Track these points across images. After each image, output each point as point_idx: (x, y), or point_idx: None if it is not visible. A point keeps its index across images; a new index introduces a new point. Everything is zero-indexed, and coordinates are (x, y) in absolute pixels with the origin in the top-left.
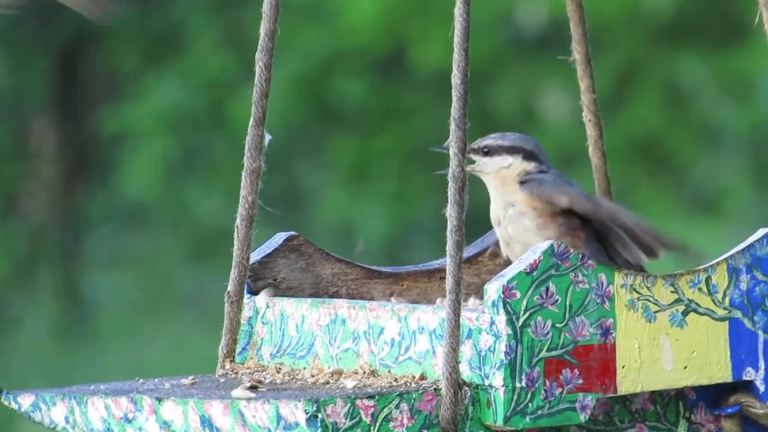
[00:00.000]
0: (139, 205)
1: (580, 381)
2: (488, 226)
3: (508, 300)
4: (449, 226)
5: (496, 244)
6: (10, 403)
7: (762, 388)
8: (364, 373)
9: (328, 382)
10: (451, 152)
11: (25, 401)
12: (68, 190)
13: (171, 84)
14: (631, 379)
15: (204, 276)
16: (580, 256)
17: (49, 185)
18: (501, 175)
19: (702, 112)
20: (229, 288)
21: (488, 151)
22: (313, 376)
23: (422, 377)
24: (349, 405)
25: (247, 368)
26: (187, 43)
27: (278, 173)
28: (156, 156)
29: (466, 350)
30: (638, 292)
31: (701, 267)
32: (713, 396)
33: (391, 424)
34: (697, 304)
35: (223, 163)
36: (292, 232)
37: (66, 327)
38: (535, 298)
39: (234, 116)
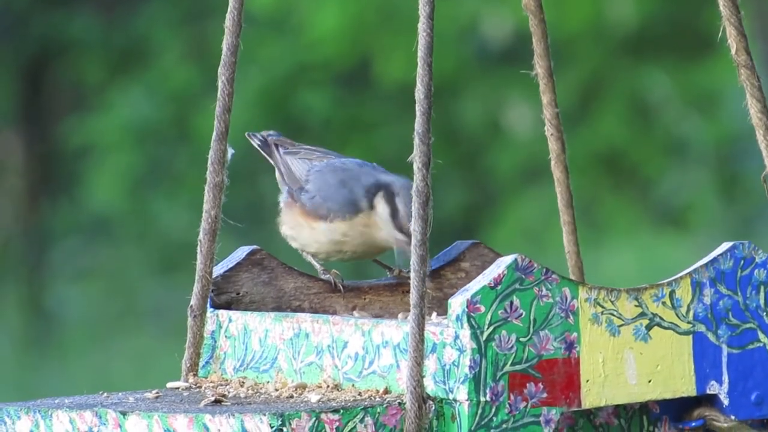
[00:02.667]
0: (105, 218)
1: (545, 395)
2: (452, 240)
3: (472, 314)
4: (413, 241)
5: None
6: None
7: (726, 402)
8: (328, 387)
9: (292, 396)
10: (415, 167)
11: None
12: (33, 202)
13: (136, 97)
14: (595, 393)
15: (169, 289)
16: (544, 270)
17: (14, 198)
18: None
19: (667, 126)
20: (192, 302)
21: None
22: (276, 390)
23: (386, 391)
24: (314, 419)
25: (211, 382)
26: (152, 56)
27: (243, 187)
28: (121, 169)
29: (430, 364)
30: (602, 306)
31: (665, 281)
32: (677, 410)
33: None
34: (661, 318)
35: (187, 176)
36: (254, 246)
37: (30, 340)
38: (499, 312)
39: (198, 129)
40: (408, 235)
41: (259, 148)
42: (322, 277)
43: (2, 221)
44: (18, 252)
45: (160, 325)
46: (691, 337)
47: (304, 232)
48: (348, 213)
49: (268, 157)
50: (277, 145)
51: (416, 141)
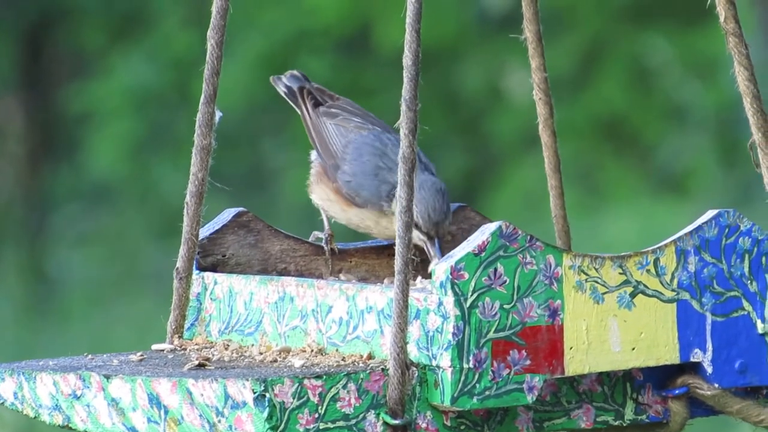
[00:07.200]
0: (105, 183)
1: (528, 362)
2: None
3: (456, 281)
4: (398, 207)
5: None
6: None
7: (709, 370)
8: (312, 351)
9: (275, 360)
10: (401, 133)
11: None
12: (34, 167)
13: (137, 62)
14: (578, 361)
15: (169, 253)
16: (529, 237)
17: (15, 163)
18: None
19: (667, 92)
20: (178, 264)
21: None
22: (261, 353)
23: (370, 357)
24: (297, 385)
25: (196, 344)
26: (152, 21)
27: (243, 152)
28: (122, 134)
29: (414, 330)
30: (586, 274)
31: (649, 249)
32: (661, 377)
33: (339, 404)
34: (645, 285)
35: (187, 141)
36: (241, 208)
37: (31, 304)
38: (483, 279)
39: (198, 95)
40: (425, 233)
41: (285, 96)
42: (318, 242)
43: (3, 187)
44: (19, 217)
45: (160, 290)
46: (675, 304)
47: (335, 207)
48: (380, 205)
49: (294, 107)
50: (306, 96)
51: (403, 107)
